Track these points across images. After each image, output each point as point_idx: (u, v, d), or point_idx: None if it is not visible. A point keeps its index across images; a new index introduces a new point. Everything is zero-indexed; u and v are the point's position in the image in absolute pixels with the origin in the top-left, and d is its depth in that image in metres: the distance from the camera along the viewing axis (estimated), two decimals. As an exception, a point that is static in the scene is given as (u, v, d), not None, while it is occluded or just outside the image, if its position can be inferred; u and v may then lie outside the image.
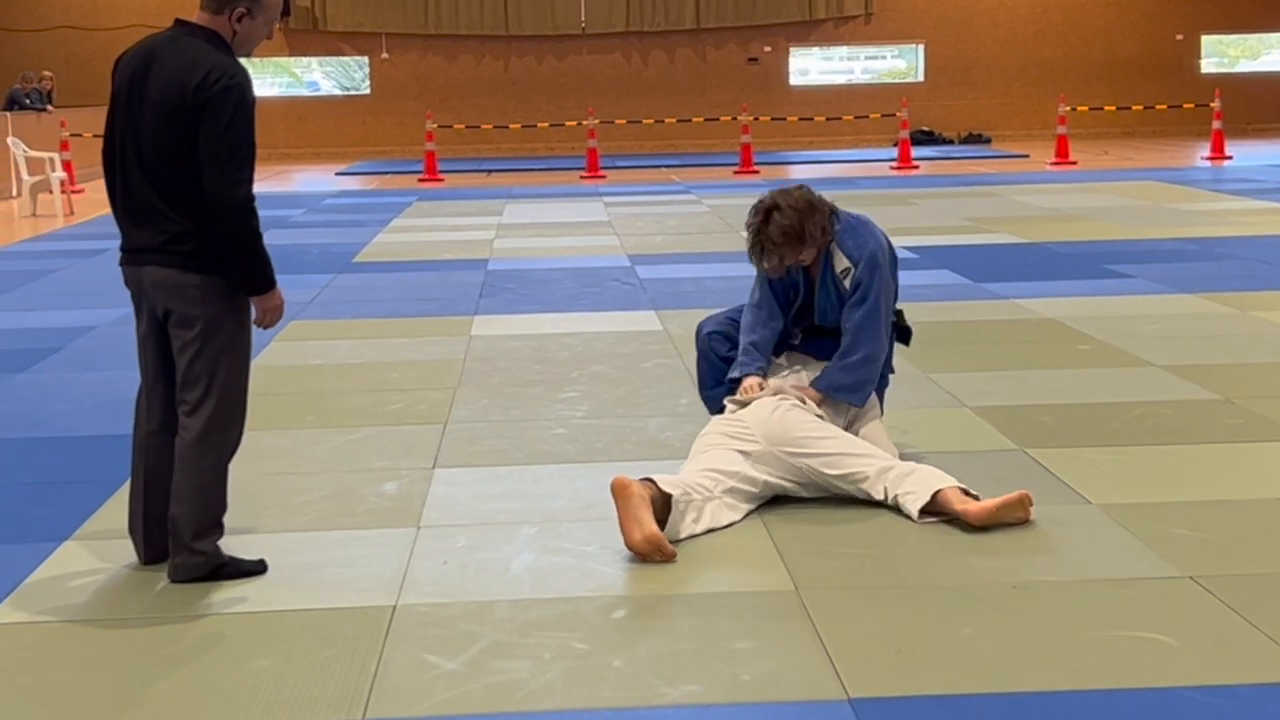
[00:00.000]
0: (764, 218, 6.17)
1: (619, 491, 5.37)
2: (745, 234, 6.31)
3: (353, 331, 10.12)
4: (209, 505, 5.11)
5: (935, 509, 5.59)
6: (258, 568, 5.20)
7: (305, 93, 33.18)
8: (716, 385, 6.51)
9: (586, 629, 4.66)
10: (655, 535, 5.25)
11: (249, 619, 4.82)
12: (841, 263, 6.23)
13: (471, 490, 6.22)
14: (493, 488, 6.25)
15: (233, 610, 4.89)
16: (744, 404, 6.11)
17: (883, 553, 5.34)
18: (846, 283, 6.22)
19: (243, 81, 4.94)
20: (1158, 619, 4.62)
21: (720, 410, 6.31)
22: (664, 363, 8.78)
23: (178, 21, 5.10)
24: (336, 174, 26.97)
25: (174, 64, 4.94)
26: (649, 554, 5.24)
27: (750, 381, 6.24)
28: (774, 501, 5.94)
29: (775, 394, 6.11)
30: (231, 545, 5.26)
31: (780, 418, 5.93)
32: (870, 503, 5.84)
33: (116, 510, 5.75)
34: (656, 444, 6.91)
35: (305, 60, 32.96)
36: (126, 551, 5.36)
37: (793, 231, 6.13)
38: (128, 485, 5.40)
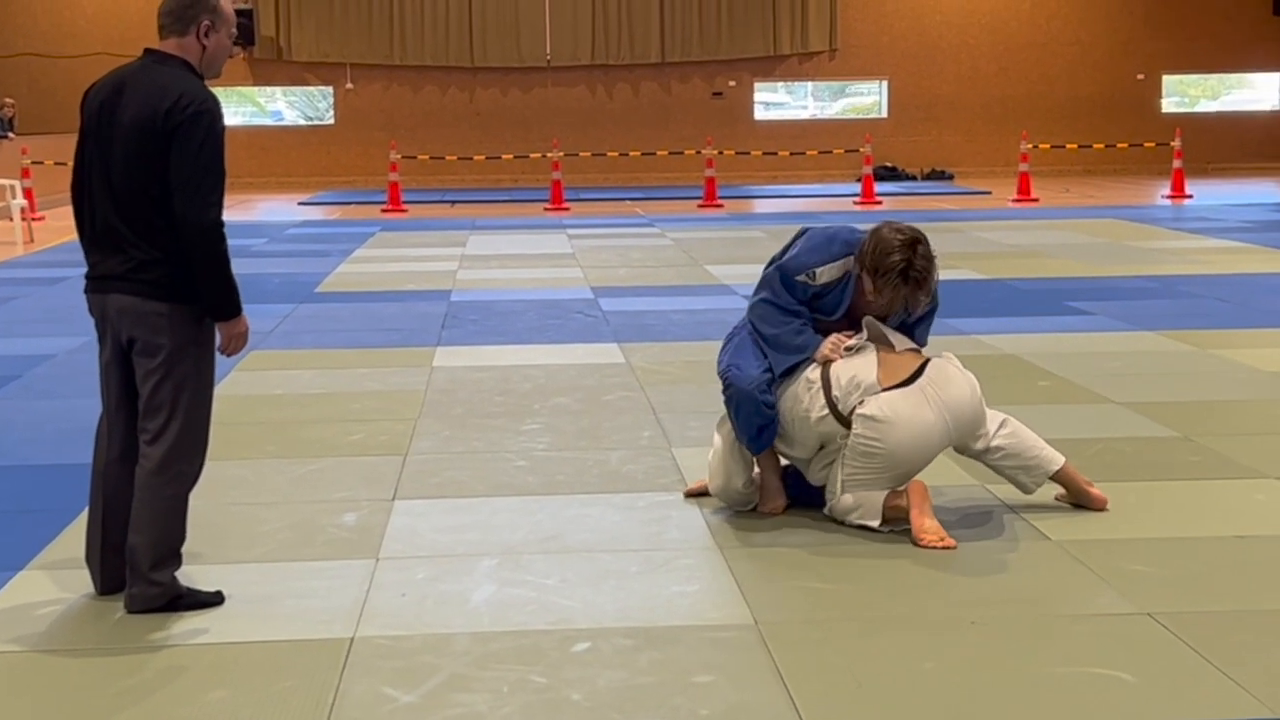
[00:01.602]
0: (914, 250, 5.94)
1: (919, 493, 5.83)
2: (885, 270, 5.92)
3: (314, 361, 10.09)
4: (168, 535, 5.09)
5: None
6: (215, 599, 5.17)
7: (269, 122, 33.14)
8: (759, 433, 6.12)
9: (546, 662, 4.65)
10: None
11: (205, 650, 4.79)
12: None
13: (431, 522, 6.21)
14: (453, 519, 6.24)
15: (189, 641, 4.86)
16: (852, 348, 6.03)
17: (843, 587, 5.34)
18: (919, 311, 6.16)
19: (213, 107, 4.98)
20: (1116, 655, 4.64)
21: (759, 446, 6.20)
22: (626, 395, 8.78)
23: (147, 51, 5.13)
24: (299, 203, 26.91)
25: (145, 90, 4.97)
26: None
27: (835, 338, 6.08)
28: (735, 535, 5.95)
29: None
30: (189, 576, 5.24)
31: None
32: (832, 536, 5.86)
33: (74, 539, 5.71)
34: (618, 477, 6.91)
35: (269, 90, 32.91)
36: (84, 581, 5.32)
37: (934, 267, 6.02)
38: (85, 514, 5.37)
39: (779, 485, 6.26)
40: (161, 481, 5.04)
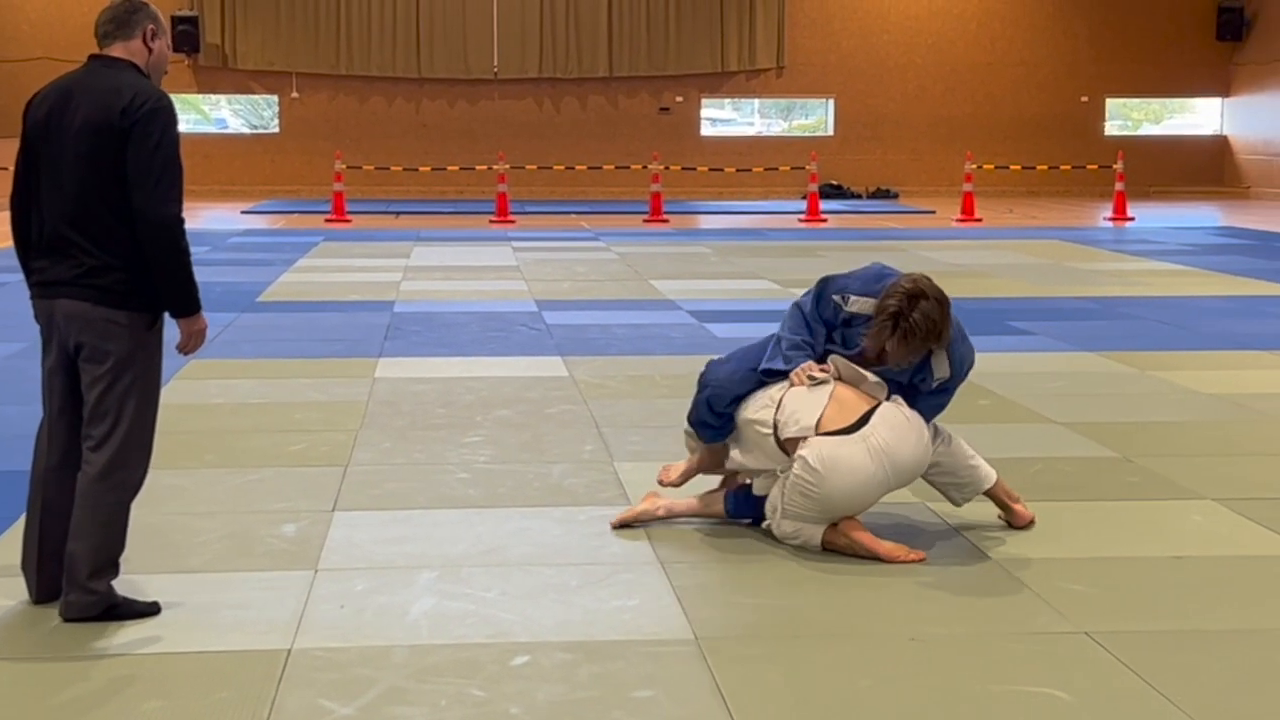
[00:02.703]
0: (911, 302, 5.77)
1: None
2: (880, 310, 5.85)
3: (255, 371, 10.03)
4: (108, 544, 5.05)
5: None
6: (151, 609, 5.13)
7: (213, 130, 32.96)
8: (698, 424, 6.22)
9: (484, 676, 4.63)
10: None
11: (141, 660, 4.75)
12: (943, 370, 6.00)
13: (371, 534, 6.18)
14: (393, 531, 6.21)
15: (125, 651, 4.82)
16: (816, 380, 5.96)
17: (783, 602, 5.35)
18: (934, 384, 6.03)
19: (169, 105, 5.01)
20: (1053, 673, 4.66)
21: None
22: (569, 409, 8.77)
23: (93, 57, 5.14)
24: (243, 212, 26.76)
25: (97, 93, 4.99)
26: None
27: (807, 365, 6.02)
28: (675, 549, 5.95)
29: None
30: (125, 585, 5.19)
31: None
32: (773, 552, 5.87)
33: (9, 547, 5.65)
34: (560, 490, 6.89)
35: (214, 97, 32.73)
36: (19, 589, 5.26)
37: (934, 329, 5.79)
38: (21, 521, 5.31)
39: (691, 470, 6.30)
40: (104, 488, 5.00)
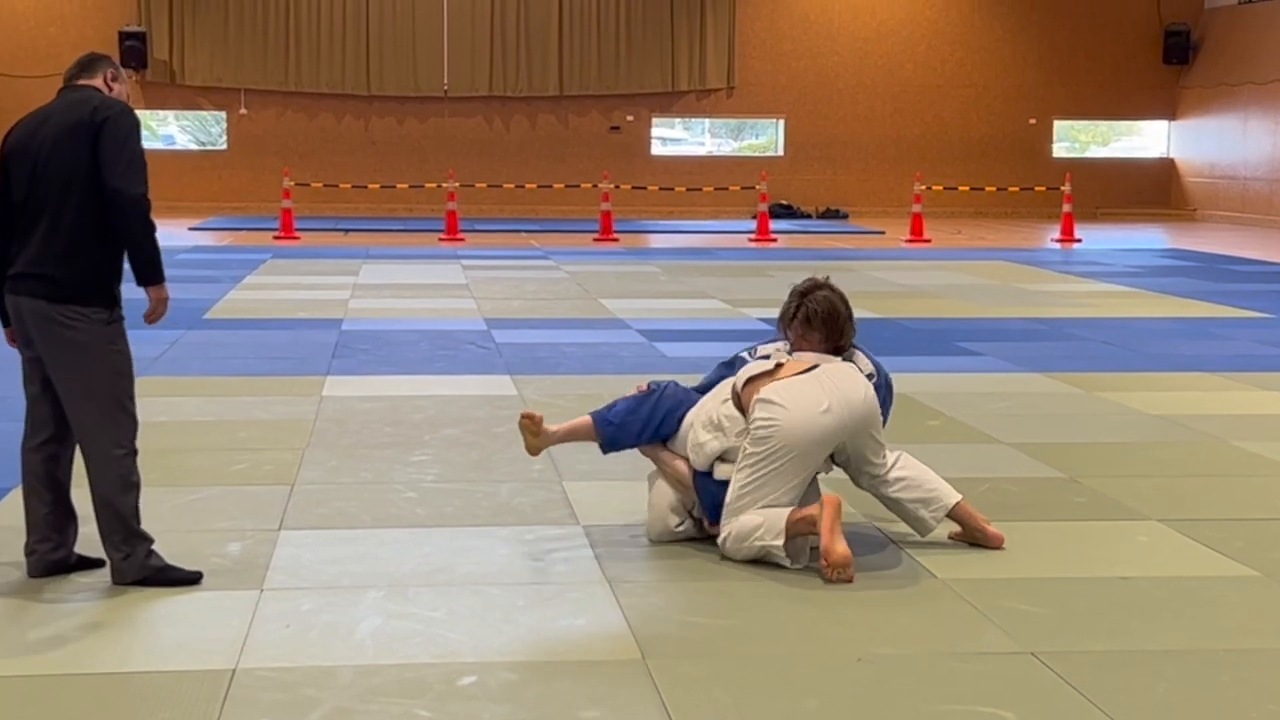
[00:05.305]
0: (811, 289, 6.45)
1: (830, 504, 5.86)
2: (783, 315, 6.51)
3: (201, 389, 9.97)
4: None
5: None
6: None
7: (161, 146, 32.77)
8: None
9: (431, 696, 4.61)
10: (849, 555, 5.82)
11: (83, 680, 4.71)
12: (866, 366, 6.38)
13: (317, 553, 6.14)
14: (339, 550, 6.18)
15: (67, 671, 4.77)
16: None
17: (730, 622, 5.35)
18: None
19: (134, 114, 5.65)
20: (999, 694, 4.67)
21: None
22: (518, 428, 8.72)
23: (65, 88, 5.77)
24: (190, 229, 26.62)
25: (68, 105, 5.63)
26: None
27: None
28: (623, 569, 5.94)
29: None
30: (67, 607, 5.14)
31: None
32: (721, 572, 5.87)
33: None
34: (507, 509, 6.87)
35: (162, 113, 32.56)
36: (-42, 609, 5.22)
37: (833, 311, 6.36)
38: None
39: (563, 434, 6.55)
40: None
